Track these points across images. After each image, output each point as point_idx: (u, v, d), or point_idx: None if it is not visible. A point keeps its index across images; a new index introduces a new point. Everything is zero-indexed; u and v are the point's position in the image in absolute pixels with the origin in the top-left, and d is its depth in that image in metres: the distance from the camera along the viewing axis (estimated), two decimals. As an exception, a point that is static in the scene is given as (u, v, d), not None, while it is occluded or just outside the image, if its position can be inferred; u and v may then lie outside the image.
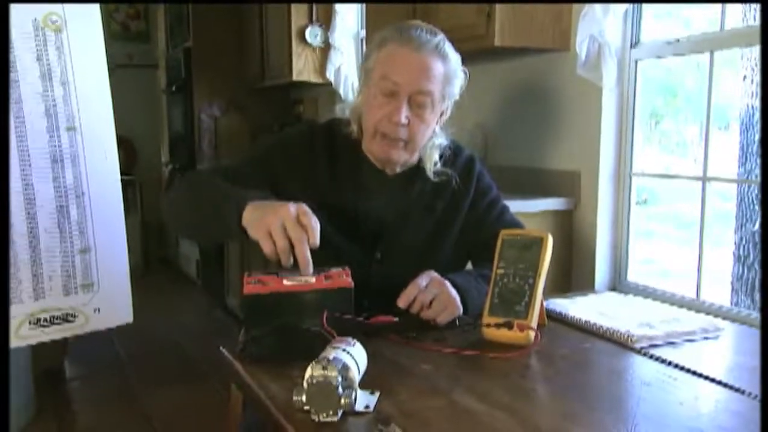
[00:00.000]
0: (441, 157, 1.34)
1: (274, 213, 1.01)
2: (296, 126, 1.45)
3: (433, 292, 1.16)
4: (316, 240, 1.00)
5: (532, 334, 1.08)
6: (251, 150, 1.43)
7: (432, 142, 1.32)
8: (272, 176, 1.29)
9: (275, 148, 1.34)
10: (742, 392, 0.93)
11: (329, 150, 1.33)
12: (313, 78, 3.84)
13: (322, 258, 1.05)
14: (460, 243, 1.38)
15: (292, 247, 1.00)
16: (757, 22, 2.17)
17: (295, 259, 1.01)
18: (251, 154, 1.37)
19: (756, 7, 2.17)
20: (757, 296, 2.43)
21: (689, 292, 2.05)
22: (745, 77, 2.52)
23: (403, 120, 1.22)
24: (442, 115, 1.31)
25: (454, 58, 1.27)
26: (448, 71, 1.25)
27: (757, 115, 2.48)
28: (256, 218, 1.03)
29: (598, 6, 1.99)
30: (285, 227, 1.00)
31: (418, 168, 1.34)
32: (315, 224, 1.01)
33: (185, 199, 1.26)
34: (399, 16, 2.54)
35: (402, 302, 1.14)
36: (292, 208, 1.02)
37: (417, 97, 1.22)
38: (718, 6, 1.95)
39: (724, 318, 1.42)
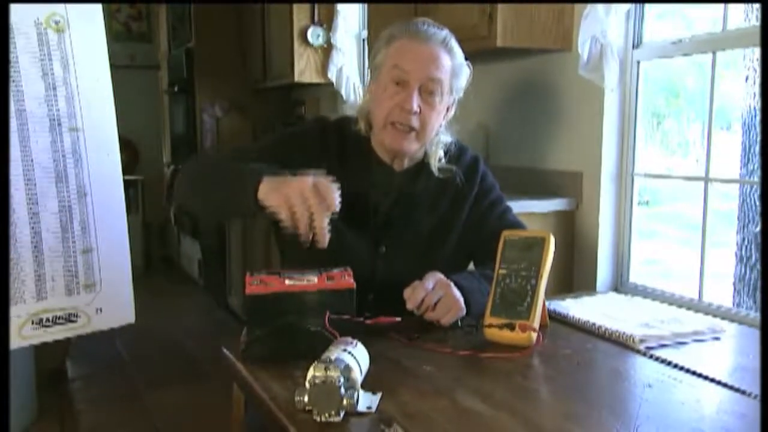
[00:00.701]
0: (446, 153, 1.37)
1: (290, 185, 1.04)
2: (308, 122, 1.47)
3: (438, 294, 1.16)
4: (335, 203, 1.03)
5: (534, 334, 1.08)
6: (264, 140, 1.45)
7: (438, 138, 1.34)
8: (284, 167, 1.29)
9: (289, 139, 1.37)
10: (745, 393, 0.93)
11: (340, 146, 1.35)
12: (315, 78, 3.84)
13: (329, 252, 1.05)
14: (462, 242, 1.39)
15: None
16: (759, 23, 2.17)
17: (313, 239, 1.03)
18: (264, 144, 1.40)
19: (758, 8, 2.17)
20: (759, 296, 2.43)
21: (691, 293, 2.05)
22: (747, 78, 2.51)
23: (415, 107, 1.25)
24: (448, 110, 1.34)
25: (459, 53, 1.31)
26: (455, 65, 1.29)
27: (759, 116, 2.48)
28: (273, 188, 1.06)
29: (600, 6, 1.99)
30: (304, 196, 1.02)
31: (423, 164, 1.36)
32: (334, 192, 1.03)
33: (200, 176, 1.28)
34: (401, 16, 2.54)
35: (411, 305, 1.14)
36: (310, 177, 1.05)
37: (427, 85, 1.25)
38: (720, 6, 1.95)
39: (726, 319, 1.42)
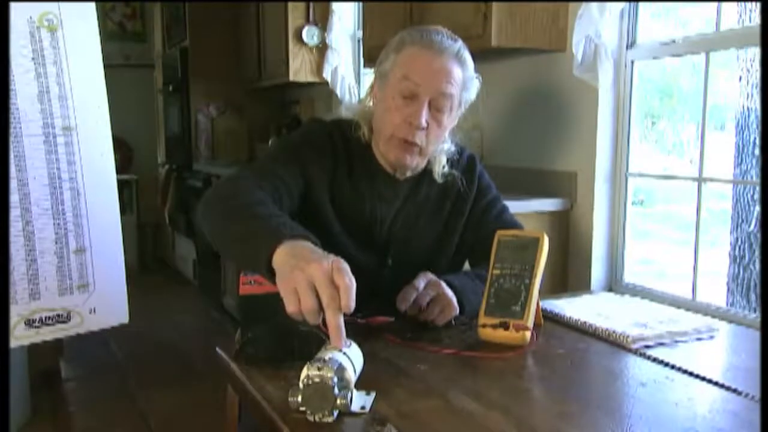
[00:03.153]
0: (448, 160, 1.34)
1: (303, 270, 0.85)
2: (308, 125, 1.39)
3: (430, 294, 1.16)
4: (351, 303, 0.84)
5: (528, 334, 1.08)
6: (277, 149, 1.34)
7: (441, 146, 1.31)
8: (303, 174, 1.25)
9: (303, 145, 1.28)
10: (738, 393, 0.93)
11: (346, 153, 1.31)
12: (310, 78, 3.84)
13: None
14: (460, 242, 1.38)
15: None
16: (753, 23, 2.18)
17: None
18: (279, 153, 1.30)
19: (752, 8, 2.18)
20: (753, 296, 2.44)
21: (685, 293, 2.05)
22: (740, 78, 2.52)
23: (423, 123, 1.20)
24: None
25: (471, 65, 1.27)
26: (466, 78, 1.25)
27: (753, 116, 2.49)
28: (285, 271, 0.88)
29: (594, 6, 2.00)
30: (314, 286, 0.85)
31: (425, 171, 1.34)
32: (350, 283, 0.84)
33: (219, 222, 1.11)
34: (396, 16, 2.54)
35: (402, 305, 1.14)
36: (325, 263, 0.85)
37: (437, 100, 1.21)
38: (714, 6, 1.95)
39: (720, 318, 1.42)
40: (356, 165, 1.30)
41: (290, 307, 0.85)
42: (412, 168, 1.30)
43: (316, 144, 1.28)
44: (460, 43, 1.25)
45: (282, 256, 0.90)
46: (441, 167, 1.32)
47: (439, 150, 1.31)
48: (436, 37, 1.23)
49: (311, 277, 0.84)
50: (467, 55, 1.26)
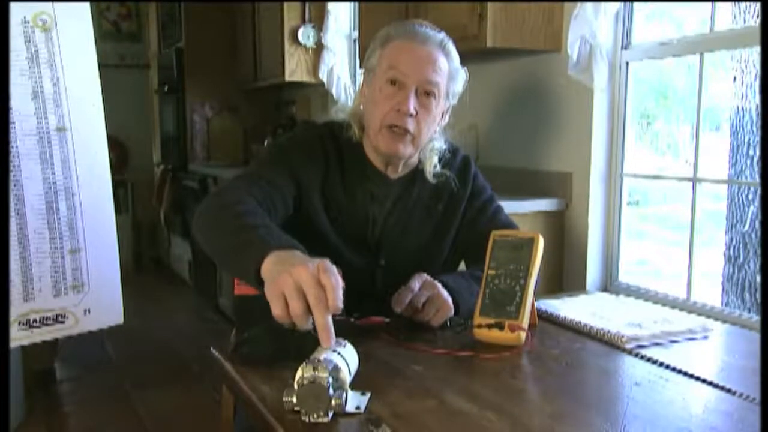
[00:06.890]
0: (440, 159, 1.34)
1: (289, 273, 0.85)
2: (301, 128, 1.40)
3: (425, 295, 1.16)
4: (338, 302, 0.83)
5: (523, 334, 1.08)
6: (268, 154, 1.33)
7: (432, 144, 1.32)
8: (295, 178, 1.26)
9: (294, 149, 1.29)
10: (732, 392, 0.93)
11: (338, 154, 1.31)
12: (306, 78, 3.84)
13: None
14: (455, 243, 1.38)
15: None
16: (747, 24, 2.19)
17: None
18: (270, 157, 1.30)
19: (746, 9, 2.19)
20: (747, 296, 2.44)
21: (680, 293, 2.06)
22: (735, 78, 2.53)
23: (412, 110, 1.21)
24: (442, 116, 1.31)
25: (456, 56, 1.28)
26: (452, 68, 1.26)
27: (747, 117, 2.50)
28: (273, 276, 0.88)
29: (589, 6, 2.00)
30: (301, 288, 0.84)
31: (417, 170, 1.34)
32: (336, 283, 0.84)
33: (210, 234, 1.12)
34: (391, 16, 2.54)
35: (398, 307, 1.14)
36: (311, 265, 0.85)
37: (424, 88, 1.22)
38: (708, 7, 1.96)
39: (714, 318, 1.43)
40: (348, 166, 1.31)
41: (276, 311, 0.85)
42: (405, 158, 1.30)
43: (307, 147, 1.29)
44: (443, 34, 1.26)
45: (269, 265, 0.91)
46: (432, 166, 1.33)
47: (430, 149, 1.32)
48: (420, 28, 1.25)
49: (297, 280, 0.84)
50: (451, 46, 1.27)
